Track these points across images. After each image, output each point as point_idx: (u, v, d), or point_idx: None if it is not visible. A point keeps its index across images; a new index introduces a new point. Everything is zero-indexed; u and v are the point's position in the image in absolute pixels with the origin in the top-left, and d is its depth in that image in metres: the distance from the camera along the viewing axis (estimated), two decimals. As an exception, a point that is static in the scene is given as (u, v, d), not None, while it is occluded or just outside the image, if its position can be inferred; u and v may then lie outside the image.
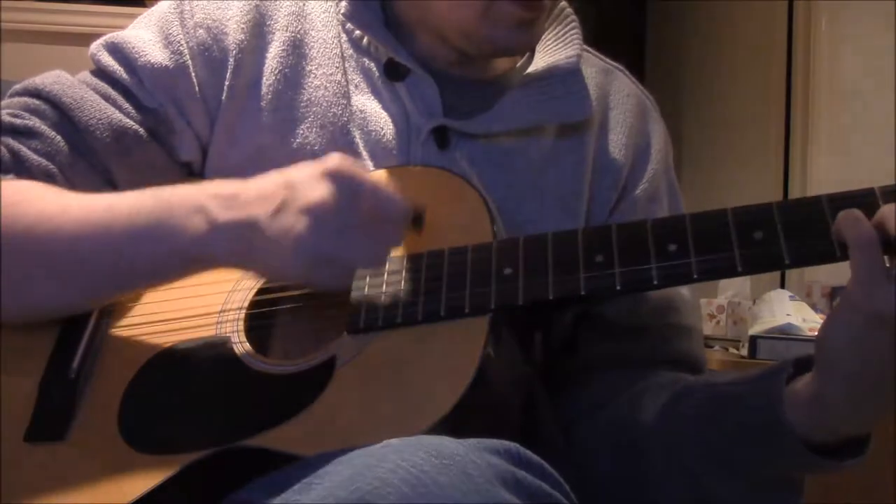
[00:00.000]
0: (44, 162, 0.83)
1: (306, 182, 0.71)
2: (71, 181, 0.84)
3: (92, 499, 0.70)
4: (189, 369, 0.77)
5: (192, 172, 0.90)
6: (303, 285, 0.76)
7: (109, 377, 0.78)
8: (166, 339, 0.79)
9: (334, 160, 0.72)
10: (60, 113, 0.85)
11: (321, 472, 0.59)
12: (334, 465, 0.59)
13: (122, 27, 0.92)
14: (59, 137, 0.84)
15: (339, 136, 0.87)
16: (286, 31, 0.90)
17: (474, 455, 0.59)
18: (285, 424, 0.69)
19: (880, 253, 0.62)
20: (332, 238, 0.69)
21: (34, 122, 0.84)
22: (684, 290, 0.92)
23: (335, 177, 0.70)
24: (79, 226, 0.76)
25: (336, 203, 0.69)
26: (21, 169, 0.82)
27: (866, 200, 0.66)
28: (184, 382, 0.77)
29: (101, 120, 0.85)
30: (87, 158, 0.85)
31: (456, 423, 0.66)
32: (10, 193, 0.78)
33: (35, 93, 0.86)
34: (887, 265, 0.63)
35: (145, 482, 0.69)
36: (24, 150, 0.83)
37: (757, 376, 0.73)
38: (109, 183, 0.86)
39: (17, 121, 0.84)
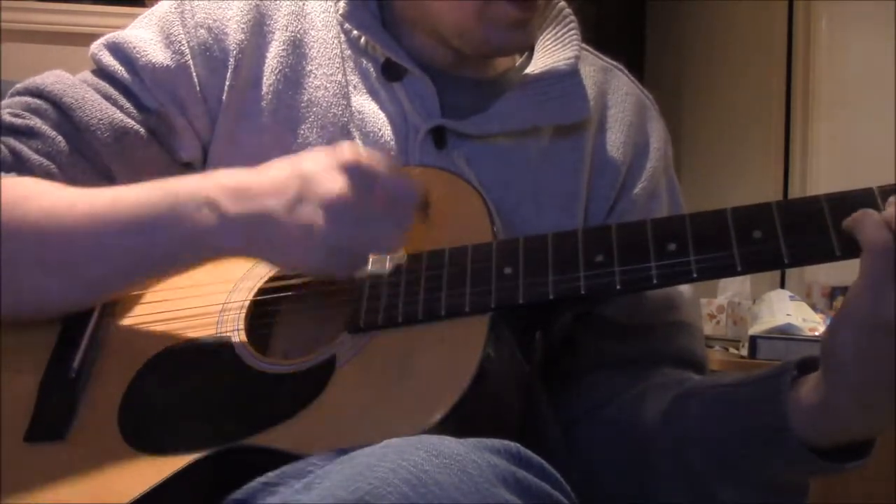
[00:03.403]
0: (45, 162, 0.83)
1: (321, 174, 0.71)
2: (71, 181, 0.83)
3: (92, 499, 0.70)
4: (189, 369, 0.77)
5: (193, 173, 0.90)
6: (315, 274, 0.77)
7: (110, 377, 0.78)
8: (167, 339, 0.79)
9: (346, 151, 0.72)
10: (61, 113, 0.85)
11: (321, 472, 0.59)
12: (334, 465, 0.59)
13: (122, 27, 0.92)
14: (59, 137, 0.84)
15: (339, 137, 0.87)
16: (286, 30, 0.90)
17: (475, 455, 0.59)
18: (285, 424, 0.69)
19: (893, 258, 0.62)
20: (350, 230, 0.70)
21: (35, 121, 0.84)
22: (684, 288, 0.92)
23: (350, 169, 0.71)
24: (86, 220, 0.76)
25: (353, 195, 0.70)
26: (22, 168, 0.82)
27: (865, 200, 0.66)
28: (184, 382, 0.77)
29: (101, 120, 0.85)
30: (88, 158, 0.85)
31: (456, 423, 0.66)
32: (15, 190, 0.78)
33: (36, 92, 0.86)
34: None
35: (145, 482, 0.69)
36: (25, 150, 0.83)
37: (761, 378, 0.73)
38: (110, 183, 0.86)
39: (18, 120, 0.84)
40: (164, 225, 0.74)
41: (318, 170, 0.71)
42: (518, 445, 0.63)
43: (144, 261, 0.76)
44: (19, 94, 0.87)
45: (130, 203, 0.75)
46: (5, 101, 0.86)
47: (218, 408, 0.75)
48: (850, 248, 0.65)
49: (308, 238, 0.70)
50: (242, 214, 0.72)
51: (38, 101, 0.85)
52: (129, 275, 0.78)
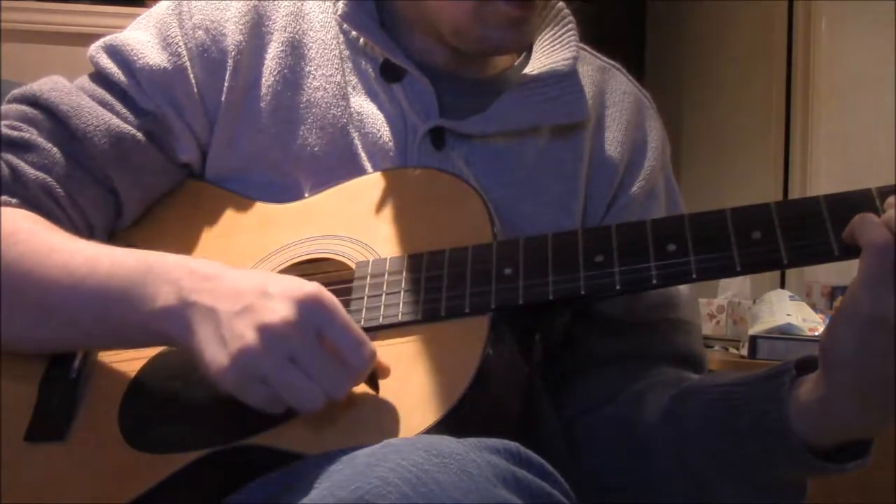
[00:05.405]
0: (41, 175, 0.82)
1: (277, 298, 0.67)
2: (70, 192, 0.84)
3: (92, 499, 0.70)
4: (189, 369, 0.77)
5: (192, 174, 0.90)
6: (228, 391, 0.69)
7: (110, 377, 0.78)
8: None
9: (315, 287, 0.68)
10: (57, 121, 0.85)
11: (321, 472, 0.59)
12: (334, 465, 0.60)
13: (122, 27, 0.92)
14: (55, 149, 0.84)
15: (339, 138, 0.87)
16: (284, 31, 0.90)
17: (474, 454, 0.59)
18: (285, 424, 0.69)
19: (893, 258, 0.62)
20: (275, 364, 0.65)
21: (31, 133, 0.84)
22: (683, 287, 0.92)
23: (307, 304, 0.67)
24: (59, 273, 0.75)
25: (294, 331, 0.66)
26: (19, 184, 0.82)
27: (863, 201, 0.67)
28: (185, 381, 0.77)
29: (98, 126, 0.85)
30: (86, 167, 0.85)
31: (456, 423, 0.66)
32: (6, 226, 0.78)
33: (33, 100, 0.86)
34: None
35: (145, 482, 0.70)
36: (22, 165, 0.82)
37: (761, 378, 0.73)
38: (110, 190, 0.86)
39: (14, 133, 0.84)
40: (129, 295, 0.72)
41: (277, 292, 0.67)
42: (518, 445, 0.63)
43: (101, 326, 0.75)
44: (16, 101, 0.87)
45: (105, 266, 0.74)
46: (3, 109, 0.86)
47: (218, 407, 0.75)
48: (849, 248, 0.66)
49: (230, 352, 0.66)
50: (198, 303, 0.69)
51: (33, 111, 0.85)
52: (87, 334, 0.76)
